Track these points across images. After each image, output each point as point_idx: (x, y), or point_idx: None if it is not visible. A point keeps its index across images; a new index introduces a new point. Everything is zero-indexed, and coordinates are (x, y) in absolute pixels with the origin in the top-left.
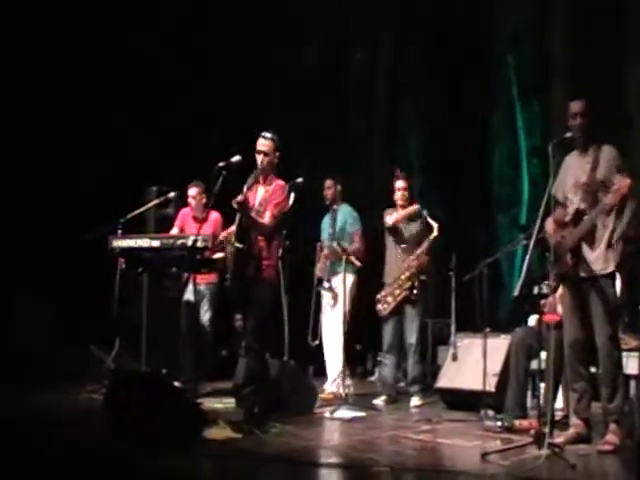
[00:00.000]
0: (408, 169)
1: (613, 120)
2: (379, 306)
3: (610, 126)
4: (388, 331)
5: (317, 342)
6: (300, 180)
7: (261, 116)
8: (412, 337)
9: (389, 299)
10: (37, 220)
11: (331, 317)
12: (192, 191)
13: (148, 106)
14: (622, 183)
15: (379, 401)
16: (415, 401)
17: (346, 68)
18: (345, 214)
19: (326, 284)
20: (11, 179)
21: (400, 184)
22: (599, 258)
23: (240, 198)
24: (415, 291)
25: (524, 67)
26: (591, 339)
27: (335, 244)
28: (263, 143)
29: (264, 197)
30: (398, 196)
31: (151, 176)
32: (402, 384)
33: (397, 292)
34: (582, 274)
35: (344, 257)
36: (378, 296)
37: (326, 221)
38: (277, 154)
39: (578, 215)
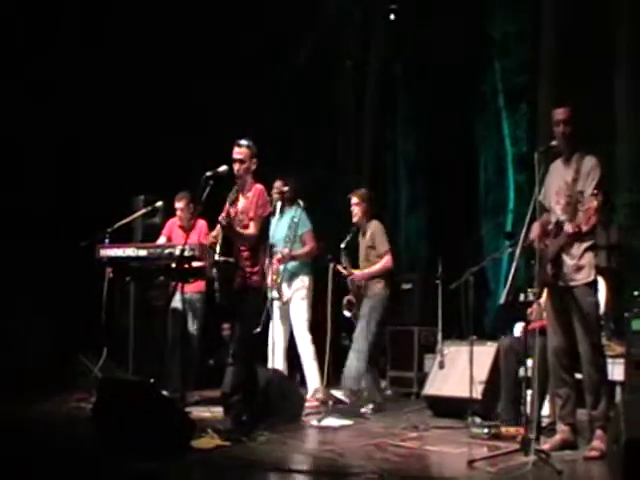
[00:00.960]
0: (395, 176)
1: (599, 127)
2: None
3: (596, 133)
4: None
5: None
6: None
7: (250, 123)
8: (356, 342)
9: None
10: (24, 229)
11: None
12: (180, 204)
13: (137, 114)
14: (591, 204)
15: (365, 409)
16: (337, 393)
17: (334, 75)
18: (289, 221)
19: (275, 294)
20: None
21: (353, 201)
22: (579, 268)
23: (224, 221)
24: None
25: (510, 74)
26: (575, 346)
27: (286, 250)
28: (238, 151)
29: (245, 206)
30: (354, 214)
31: (138, 185)
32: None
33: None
34: (561, 284)
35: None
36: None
37: (276, 224)
38: (254, 160)
39: (559, 226)
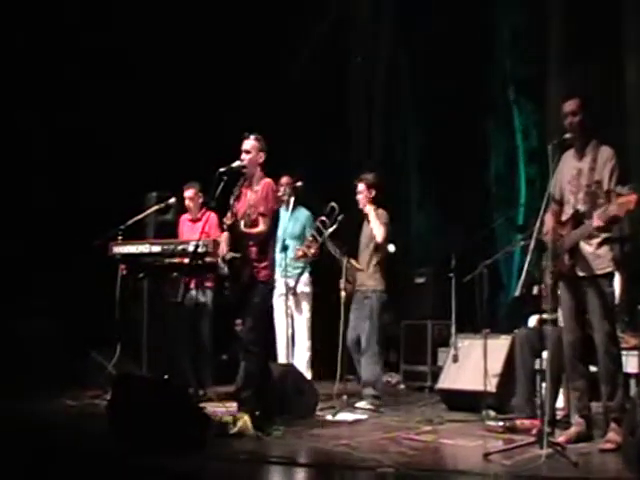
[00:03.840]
0: (406, 171)
1: (610, 119)
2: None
3: (607, 125)
4: (350, 330)
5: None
6: (300, 184)
7: (260, 118)
8: (363, 339)
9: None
10: (38, 227)
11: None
12: (189, 192)
13: (150, 111)
14: (630, 198)
15: (363, 404)
16: (361, 404)
17: (345, 71)
18: (304, 219)
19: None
20: (10, 182)
21: (359, 188)
22: (598, 257)
23: (229, 221)
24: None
25: (521, 68)
26: (589, 338)
27: (305, 249)
28: (246, 142)
29: (254, 200)
30: (360, 200)
31: (151, 182)
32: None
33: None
34: (580, 273)
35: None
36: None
37: (287, 219)
38: (261, 154)
39: (577, 216)
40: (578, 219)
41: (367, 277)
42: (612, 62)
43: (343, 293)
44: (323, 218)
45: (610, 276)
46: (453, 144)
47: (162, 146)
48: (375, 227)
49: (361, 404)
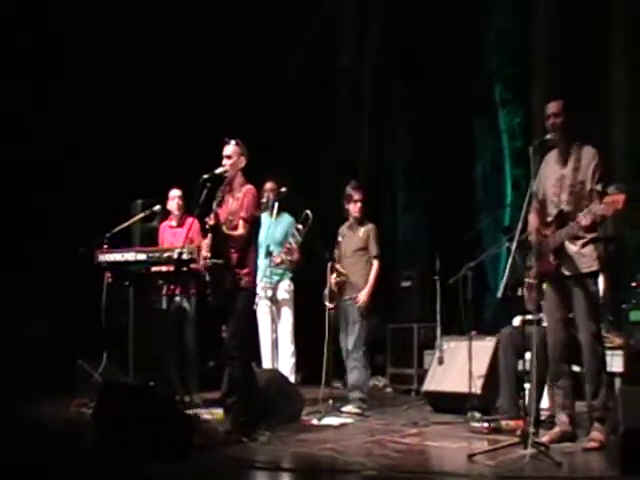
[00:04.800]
0: (392, 172)
1: (594, 120)
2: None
3: (591, 126)
4: (342, 337)
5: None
6: (284, 189)
7: (247, 124)
8: (350, 343)
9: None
10: (23, 234)
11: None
12: (174, 192)
13: (135, 119)
14: (617, 197)
15: (350, 407)
16: (347, 408)
17: (331, 71)
18: (287, 225)
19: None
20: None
21: (358, 196)
22: (583, 256)
23: (212, 222)
24: (329, 304)
25: (507, 68)
26: (574, 337)
27: (283, 255)
28: (227, 148)
29: (234, 207)
30: (355, 208)
31: (136, 189)
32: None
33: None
34: (566, 272)
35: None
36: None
37: (270, 224)
38: (242, 158)
39: (562, 216)
40: (563, 219)
41: (355, 283)
42: (598, 62)
43: (328, 304)
44: (299, 226)
45: (595, 275)
46: (439, 145)
47: (148, 153)
48: (374, 244)
49: (347, 408)
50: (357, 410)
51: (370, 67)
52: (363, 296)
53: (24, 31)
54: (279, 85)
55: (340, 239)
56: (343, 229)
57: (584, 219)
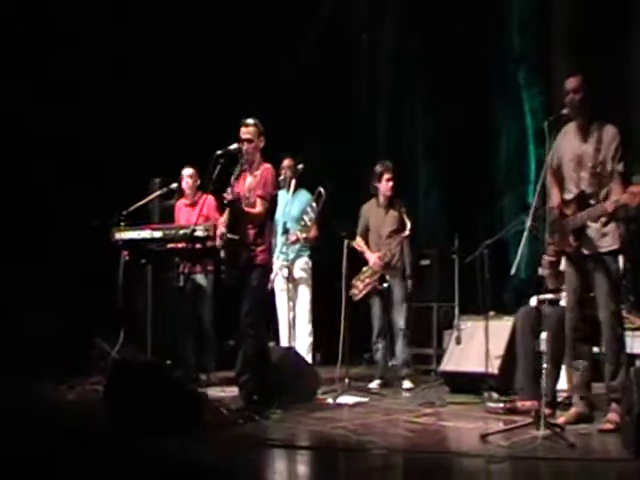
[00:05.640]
0: (414, 154)
1: (615, 98)
2: (352, 290)
3: (613, 105)
4: (376, 315)
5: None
6: (301, 166)
7: (263, 102)
8: (400, 321)
9: (359, 285)
10: (40, 213)
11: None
12: (187, 171)
13: (155, 98)
14: (606, 207)
15: (374, 384)
16: (407, 384)
17: (350, 54)
18: (304, 202)
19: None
20: (13, 167)
21: (388, 175)
22: (604, 235)
23: (230, 197)
24: (385, 284)
25: (530, 50)
26: (594, 317)
27: (298, 233)
28: (245, 130)
29: (252, 184)
30: (386, 187)
31: (154, 167)
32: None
33: (367, 280)
34: (585, 252)
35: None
36: (352, 281)
37: (288, 201)
38: (261, 138)
39: (583, 198)
40: (584, 200)
41: (394, 263)
42: (618, 43)
43: (356, 291)
44: (313, 203)
45: (616, 254)
46: (461, 127)
47: (167, 132)
48: (408, 224)
49: (405, 384)
50: (412, 385)
51: (389, 49)
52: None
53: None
54: (296, 67)
55: (368, 218)
56: (371, 207)
57: (610, 206)
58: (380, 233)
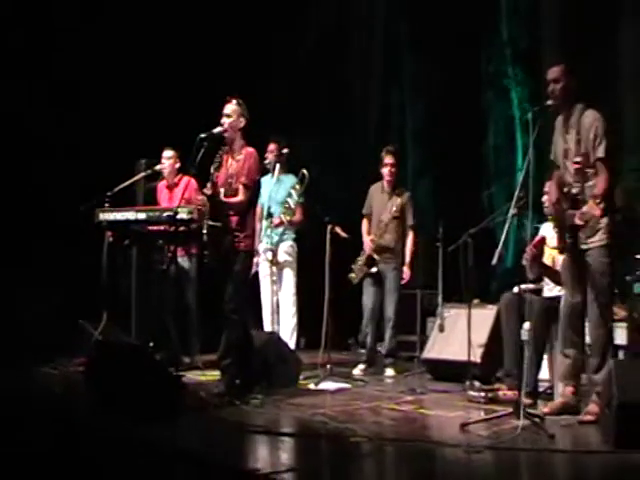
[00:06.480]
0: (402, 139)
1: (605, 89)
2: (350, 274)
3: (603, 93)
4: (368, 300)
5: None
6: (286, 150)
7: (254, 85)
8: (390, 311)
9: (356, 269)
10: (24, 197)
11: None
12: (167, 153)
13: (139, 79)
14: (593, 211)
15: (357, 370)
16: (389, 372)
17: (344, 38)
18: (289, 186)
19: (269, 254)
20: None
21: (389, 160)
22: (597, 231)
23: (209, 192)
24: (374, 269)
25: (519, 40)
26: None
27: (283, 216)
28: (227, 106)
29: (235, 169)
30: (385, 172)
31: (140, 149)
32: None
33: (360, 265)
34: (582, 246)
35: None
36: (352, 265)
37: (272, 185)
38: (242, 119)
39: (573, 199)
40: (573, 200)
41: (393, 249)
42: (608, 31)
43: (353, 275)
44: (297, 185)
45: (607, 249)
46: (450, 114)
47: (153, 113)
48: (411, 213)
49: (388, 372)
50: (394, 373)
51: (381, 33)
52: (407, 271)
53: None
54: (287, 50)
55: (372, 201)
56: (376, 190)
57: (598, 211)
58: (381, 218)
